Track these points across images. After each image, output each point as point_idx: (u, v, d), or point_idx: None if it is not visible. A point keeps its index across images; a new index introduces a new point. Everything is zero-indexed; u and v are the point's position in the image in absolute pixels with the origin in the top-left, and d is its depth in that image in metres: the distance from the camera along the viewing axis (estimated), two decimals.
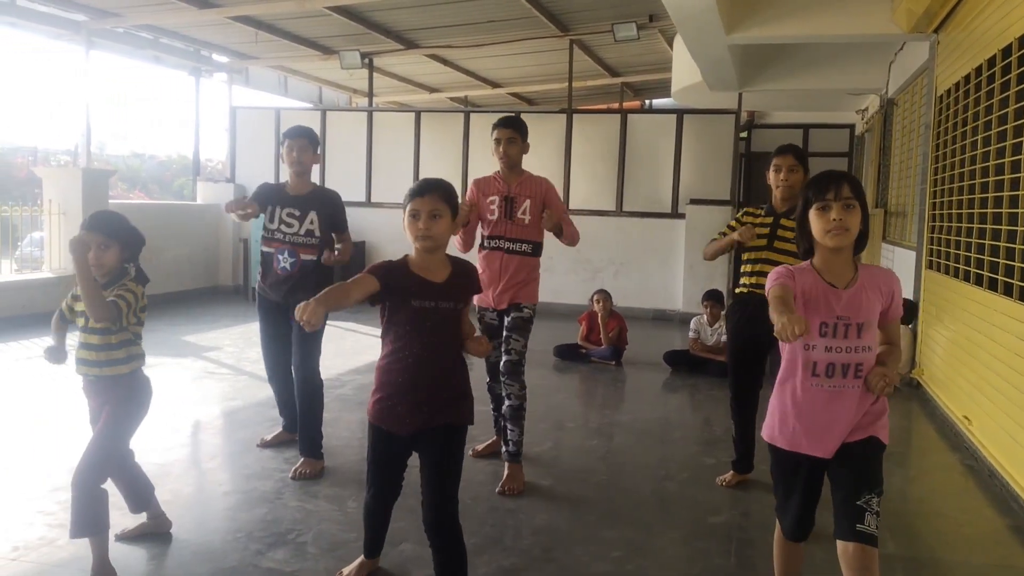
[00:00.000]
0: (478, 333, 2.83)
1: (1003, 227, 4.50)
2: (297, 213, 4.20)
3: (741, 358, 4.08)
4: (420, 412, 2.62)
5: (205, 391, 5.89)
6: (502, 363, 4.12)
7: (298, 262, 4.19)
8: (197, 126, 11.89)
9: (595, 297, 7.51)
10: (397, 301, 2.59)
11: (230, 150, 11.87)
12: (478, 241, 4.32)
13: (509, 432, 4.10)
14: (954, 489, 4.40)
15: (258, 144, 11.72)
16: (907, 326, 6.66)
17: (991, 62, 4.92)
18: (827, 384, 2.36)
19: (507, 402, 4.11)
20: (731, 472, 4.19)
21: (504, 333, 4.15)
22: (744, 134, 12.73)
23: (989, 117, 4.90)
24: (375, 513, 2.93)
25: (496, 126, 4.19)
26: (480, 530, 3.50)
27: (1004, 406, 4.36)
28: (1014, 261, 4.30)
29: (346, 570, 3.03)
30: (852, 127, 13.01)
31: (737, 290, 4.08)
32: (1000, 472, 4.27)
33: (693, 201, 10.18)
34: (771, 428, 2.51)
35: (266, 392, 5.52)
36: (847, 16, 6.75)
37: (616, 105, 15.67)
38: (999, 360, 4.50)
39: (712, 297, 7.21)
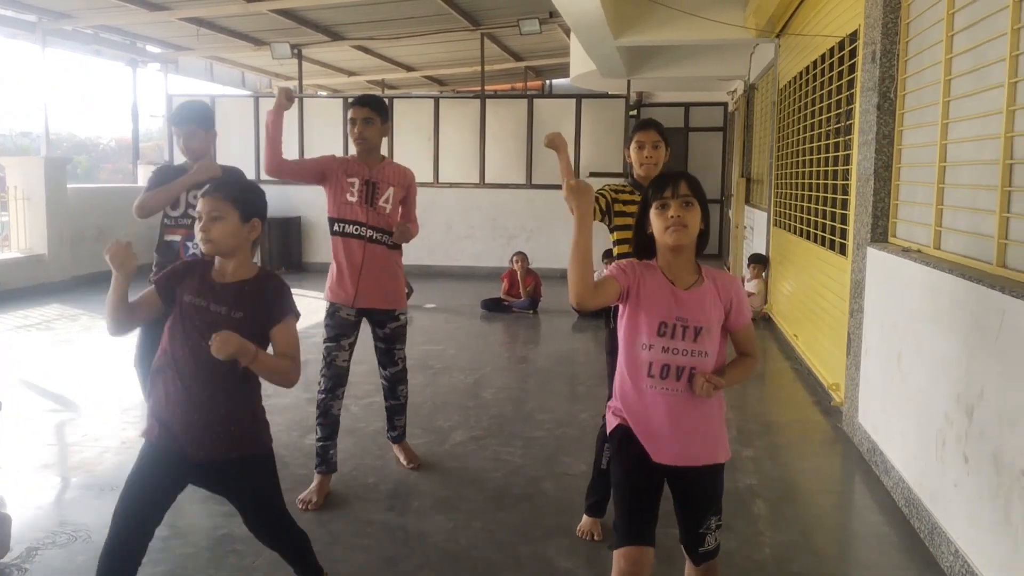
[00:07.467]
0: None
1: (815, 194, 6.24)
2: None
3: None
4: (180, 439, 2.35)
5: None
6: (392, 373, 3.96)
7: None
8: (135, 113, 12.73)
9: (514, 258, 9.02)
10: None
11: (168, 134, 12.75)
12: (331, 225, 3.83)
13: (396, 420, 4.12)
14: (784, 381, 6.15)
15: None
16: (762, 277, 8.47)
17: (814, 64, 6.61)
18: (660, 386, 2.27)
19: (396, 401, 4.06)
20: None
21: (384, 345, 3.92)
22: (634, 112, 14.34)
23: (811, 109, 6.62)
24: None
25: (352, 104, 3.74)
26: (473, 419, 4.99)
27: (817, 324, 6.11)
28: (821, 219, 6.03)
29: None
30: (726, 105, 14.86)
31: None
32: (812, 368, 6.05)
33: (592, 174, 11.79)
34: (611, 424, 2.43)
35: None
36: (710, 25, 8.35)
37: (520, 85, 17.15)
38: (816, 293, 6.25)
39: (609, 255, 8.81)
